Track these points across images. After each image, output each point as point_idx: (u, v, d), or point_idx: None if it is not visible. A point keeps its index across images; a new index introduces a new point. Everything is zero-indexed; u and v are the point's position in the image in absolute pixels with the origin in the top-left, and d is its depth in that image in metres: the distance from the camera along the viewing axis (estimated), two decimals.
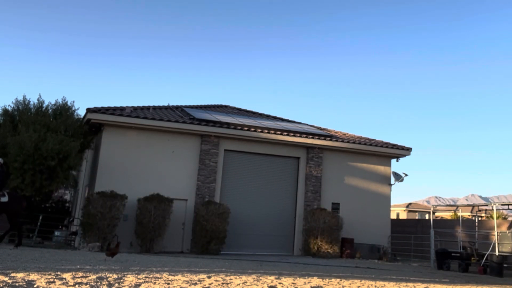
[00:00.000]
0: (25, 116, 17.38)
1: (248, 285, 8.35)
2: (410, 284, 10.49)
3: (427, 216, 41.96)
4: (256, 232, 19.23)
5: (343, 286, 9.43)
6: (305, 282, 9.42)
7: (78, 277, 7.64)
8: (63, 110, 18.05)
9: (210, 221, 16.96)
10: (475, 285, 12.02)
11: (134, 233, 16.57)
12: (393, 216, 35.25)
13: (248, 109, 25.39)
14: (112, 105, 18.81)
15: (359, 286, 9.64)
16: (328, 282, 9.80)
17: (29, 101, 18.17)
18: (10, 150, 15.89)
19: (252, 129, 19.43)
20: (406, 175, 21.54)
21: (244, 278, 9.34)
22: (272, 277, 9.84)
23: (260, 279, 9.32)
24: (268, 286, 8.40)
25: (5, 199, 12.78)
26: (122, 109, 18.33)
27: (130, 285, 7.25)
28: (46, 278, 7.29)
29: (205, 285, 7.94)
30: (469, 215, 30.10)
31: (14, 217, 13.05)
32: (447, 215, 44.74)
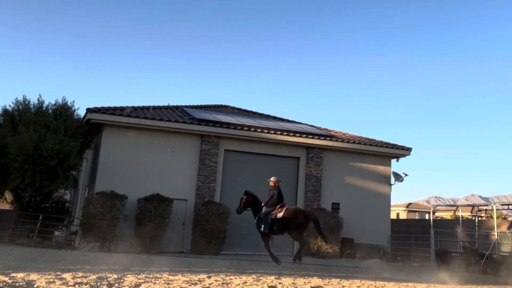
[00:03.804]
0: (25, 116, 17.37)
1: (248, 285, 8.35)
2: (410, 284, 10.49)
3: (427, 216, 41.94)
4: (256, 232, 19.09)
5: (343, 286, 9.43)
6: (305, 282, 9.42)
7: (78, 277, 7.64)
8: (63, 110, 18.04)
9: (210, 221, 16.95)
10: (475, 285, 12.02)
11: (134, 233, 16.57)
12: (393, 216, 35.24)
13: (248, 109, 25.38)
14: (112, 105, 18.82)
15: (359, 286, 9.64)
16: (328, 282, 9.80)
17: (29, 101, 18.17)
18: (10, 150, 15.89)
19: (252, 129, 19.42)
20: (406, 175, 21.53)
21: (244, 278, 9.34)
22: (272, 277, 9.84)
23: (260, 279, 9.32)
24: (268, 286, 8.40)
25: None
26: (122, 109, 18.32)
27: (130, 285, 7.25)
28: (46, 278, 7.29)
29: (205, 285, 7.94)
30: (469, 215, 30.09)
31: None
32: (447, 215, 44.70)
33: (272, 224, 13.22)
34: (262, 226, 13.29)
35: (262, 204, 13.55)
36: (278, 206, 13.28)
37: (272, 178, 13.88)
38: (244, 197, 13.77)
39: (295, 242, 19.68)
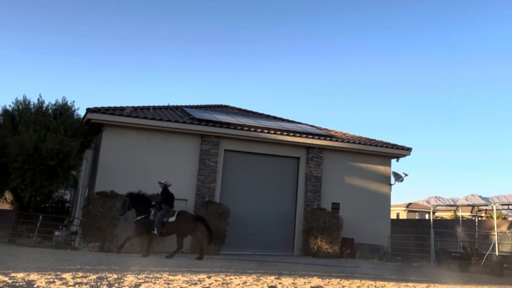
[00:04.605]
0: (25, 116, 17.35)
1: (248, 285, 8.36)
2: (410, 284, 10.50)
3: (427, 216, 41.96)
4: (256, 232, 19.21)
5: (343, 286, 9.44)
6: (305, 282, 9.42)
7: (78, 277, 7.64)
8: (63, 110, 18.02)
9: (210, 221, 16.89)
10: (475, 285, 12.03)
11: (134, 233, 16.54)
12: (393, 216, 35.25)
13: (248, 109, 25.37)
14: (112, 105, 18.80)
15: (359, 286, 9.65)
16: (328, 282, 9.81)
17: (29, 101, 18.11)
18: (10, 150, 15.88)
19: (252, 129, 19.42)
20: (406, 175, 21.54)
21: (244, 278, 9.35)
22: (272, 277, 9.85)
23: (260, 279, 9.33)
24: (268, 286, 8.41)
25: None
26: (122, 109, 18.31)
27: (130, 285, 7.25)
28: (46, 278, 7.29)
29: (205, 285, 7.94)
30: (469, 215, 30.10)
31: None
32: (447, 215, 44.73)
33: (163, 227, 14.46)
34: (155, 228, 14.40)
35: (153, 203, 14.79)
36: (170, 211, 14.58)
37: (162, 180, 15.07)
38: (127, 199, 14.75)
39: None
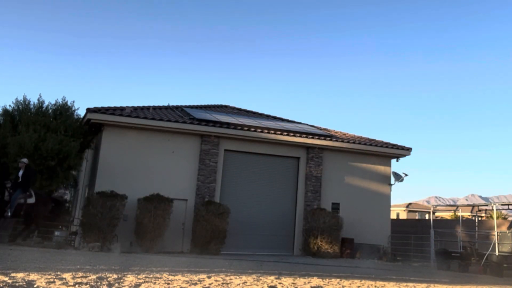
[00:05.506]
0: (25, 116, 17.36)
1: (248, 285, 8.36)
2: (410, 284, 10.50)
3: (427, 216, 41.97)
4: (256, 232, 19.22)
5: (343, 286, 9.44)
6: (305, 282, 9.43)
7: (78, 277, 7.64)
8: (63, 110, 18.03)
9: (210, 221, 16.95)
10: (475, 285, 12.03)
11: (134, 233, 16.57)
12: (393, 216, 35.26)
13: (248, 109, 25.38)
14: (112, 105, 18.81)
15: (359, 286, 9.65)
16: (328, 282, 9.81)
17: (29, 101, 18.13)
18: (10, 150, 15.89)
19: (252, 129, 19.43)
20: (406, 175, 21.55)
21: (244, 278, 9.35)
22: (272, 277, 9.85)
23: (260, 279, 9.33)
24: (268, 286, 8.41)
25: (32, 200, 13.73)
26: (122, 109, 18.32)
27: (130, 285, 7.25)
28: (46, 278, 7.29)
29: (205, 285, 7.95)
30: (469, 215, 30.11)
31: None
32: (447, 215, 44.75)
33: (19, 209, 13.85)
34: (9, 210, 13.67)
35: (7, 184, 13.98)
36: (27, 193, 13.92)
37: (24, 159, 14.35)
38: None
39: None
